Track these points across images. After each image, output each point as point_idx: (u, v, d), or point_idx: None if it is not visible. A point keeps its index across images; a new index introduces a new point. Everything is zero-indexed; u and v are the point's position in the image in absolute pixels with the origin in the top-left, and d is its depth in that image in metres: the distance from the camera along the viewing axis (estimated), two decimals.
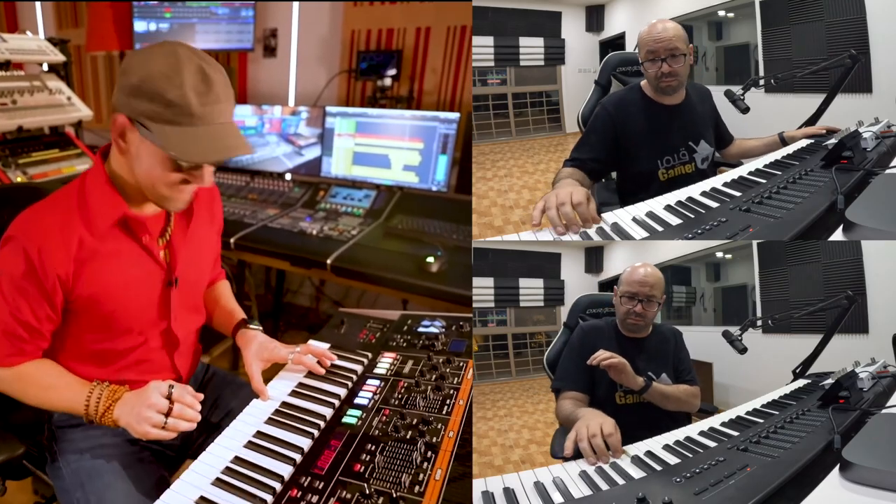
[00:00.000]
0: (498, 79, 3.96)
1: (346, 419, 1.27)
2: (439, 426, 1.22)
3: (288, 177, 3.29)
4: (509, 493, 1.20)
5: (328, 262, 2.39)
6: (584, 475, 1.26)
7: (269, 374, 1.47)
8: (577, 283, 4.03)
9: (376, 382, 1.40)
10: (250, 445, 1.20)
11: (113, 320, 1.32)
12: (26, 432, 1.44)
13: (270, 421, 1.28)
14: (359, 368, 1.46)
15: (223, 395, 1.60)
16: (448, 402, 1.31)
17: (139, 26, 3.36)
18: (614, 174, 1.83)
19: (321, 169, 3.16)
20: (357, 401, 1.33)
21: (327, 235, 2.63)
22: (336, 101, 3.50)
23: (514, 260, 4.14)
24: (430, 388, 1.35)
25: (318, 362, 1.46)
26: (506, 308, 4.23)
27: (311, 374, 1.44)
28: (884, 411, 1.42)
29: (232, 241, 2.58)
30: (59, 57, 2.64)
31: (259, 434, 1.23)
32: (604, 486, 1.22)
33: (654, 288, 1.67)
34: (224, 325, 1.60)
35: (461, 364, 1.47)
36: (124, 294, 1.31)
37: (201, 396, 1.25)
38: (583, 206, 1.32)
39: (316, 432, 1.22)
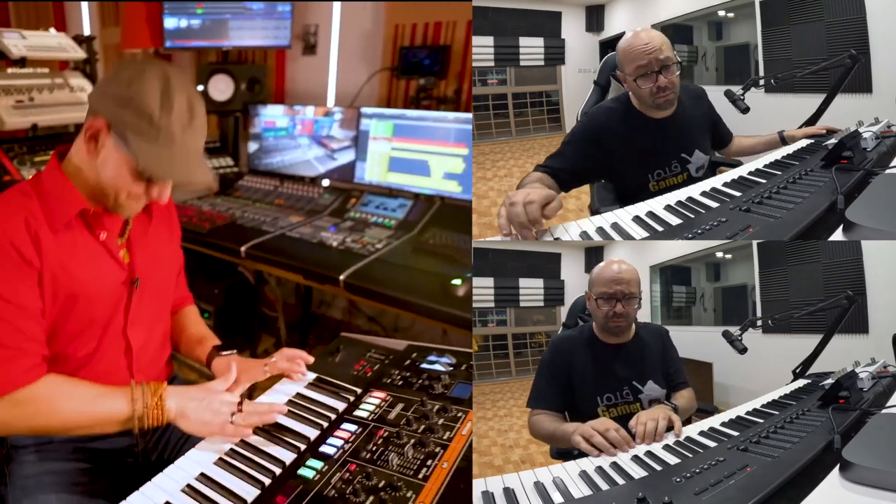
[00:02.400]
0: (498, 79, 3.97)
1: (302, 471, 1.10)
2: (408, 494, 1.02)
3: (326, 182, 3.07)
4: (509, 493, 1.20)
5: (341, 277, 2.16)
6: (584, 475, 1.26)
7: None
8: (577, 283, 4.04)
9: (352, 428, 1.22)
10: (188, 490, 1.07)
11: (71, 316, 1.26)
12: None
13: (220, 462, 1.15)
14: (340, 406, 1.31)
15: None
16: (429, 463, 1.10)
17: (169, 23, 3.20)
18: None
19: (354, 175, 2.93)
20: (323, 448, 1.16)
21: (348, 248, 2.41)
22: (377, 101, 3.23)
23: (514, 260, 4.14)
24: (412, 441, 1.16)
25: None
26: (506, 308, 4.24)
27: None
28: (884, 411, 1.42)
29: (243, 249, 2.43)
30: (80, 54, 2.64)
31: (202, 477, 1.10)
32: (604, 486, 1.22)
33: (632, 284, 1.56)
34: (196, 353, 1.52)
35: (459, 415, 1.25)
36: (83, 289, 1.26)
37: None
38: (534, 205, 1.24)
39: (267, 481, 1.08)
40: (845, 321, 1.92)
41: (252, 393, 1.43)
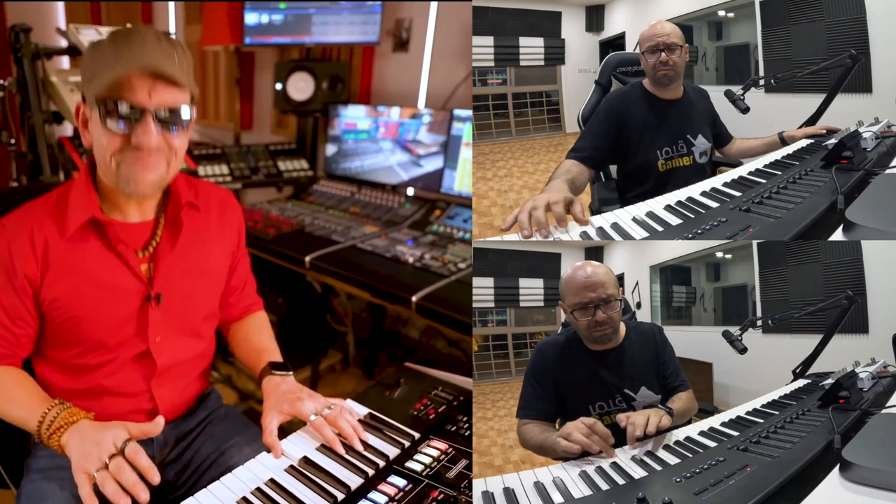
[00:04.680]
0: (498, 79, 3.97)
1: None
2: None
3: (411, 191, 2.84)
4: (509, 493, 1.20)
5: (413, 299, 1.96)
6: (584, 475, 1.26)
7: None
8: None
9: (401, 483, 1.03)
10: None
11: (81, 332, 1.24)
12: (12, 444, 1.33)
13: (244, 502, 1.02)
14: (391, 453, 1.13)
15: (224, 445, 1.39)
16: None
17: (250, 19, 3.04)
18: (614, 174, 1.84)
19: (441, 184, 2.67)
20: None
21: (426, 265, 2.19)
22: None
23: (514, 260, 4.14)
24: None
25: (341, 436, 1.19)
26: (506, 308, 4.23)
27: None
28: (884, 411, 1.42)
29: (307, 259, 2.28)
30: None
31: None
32: (604, 486, 1.22)
33: (607, 286, 1.45)
34: (252, 365, 1.43)
35: None
36: (92, 304, 1.23)
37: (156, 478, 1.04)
38: (559, 205, 1.27)
39: None
40: (845, 321, 1.93)
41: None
